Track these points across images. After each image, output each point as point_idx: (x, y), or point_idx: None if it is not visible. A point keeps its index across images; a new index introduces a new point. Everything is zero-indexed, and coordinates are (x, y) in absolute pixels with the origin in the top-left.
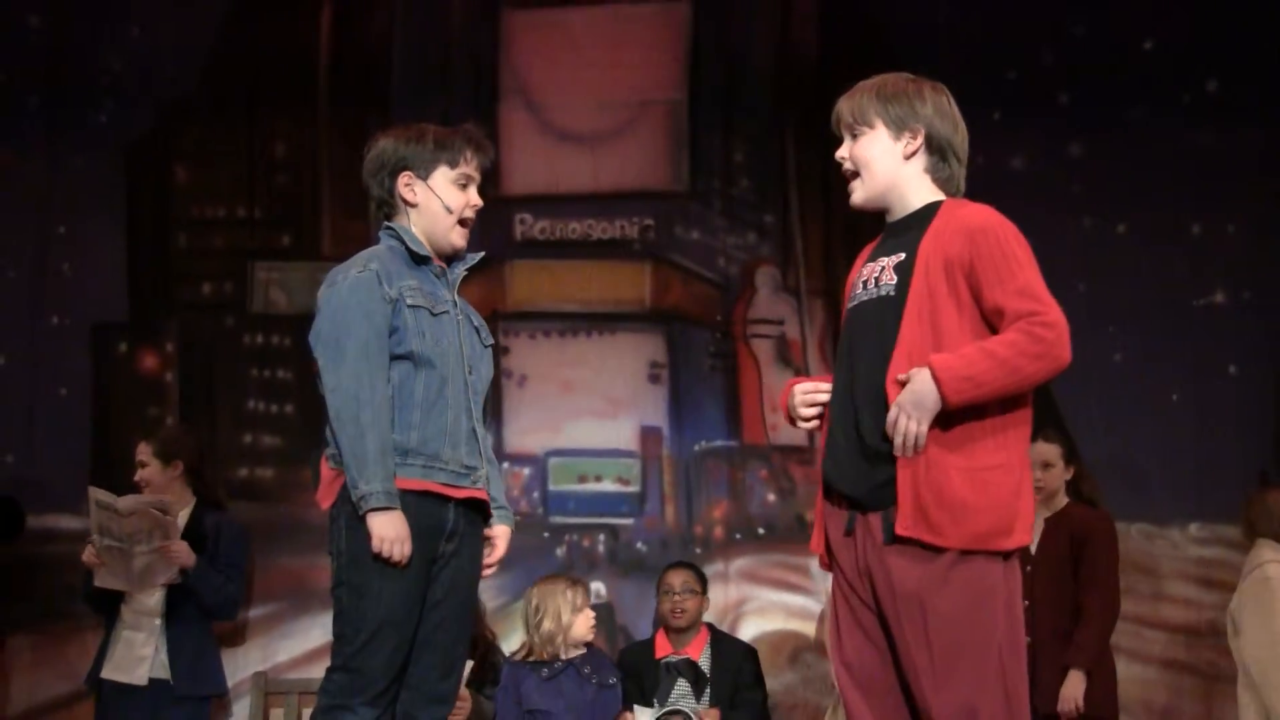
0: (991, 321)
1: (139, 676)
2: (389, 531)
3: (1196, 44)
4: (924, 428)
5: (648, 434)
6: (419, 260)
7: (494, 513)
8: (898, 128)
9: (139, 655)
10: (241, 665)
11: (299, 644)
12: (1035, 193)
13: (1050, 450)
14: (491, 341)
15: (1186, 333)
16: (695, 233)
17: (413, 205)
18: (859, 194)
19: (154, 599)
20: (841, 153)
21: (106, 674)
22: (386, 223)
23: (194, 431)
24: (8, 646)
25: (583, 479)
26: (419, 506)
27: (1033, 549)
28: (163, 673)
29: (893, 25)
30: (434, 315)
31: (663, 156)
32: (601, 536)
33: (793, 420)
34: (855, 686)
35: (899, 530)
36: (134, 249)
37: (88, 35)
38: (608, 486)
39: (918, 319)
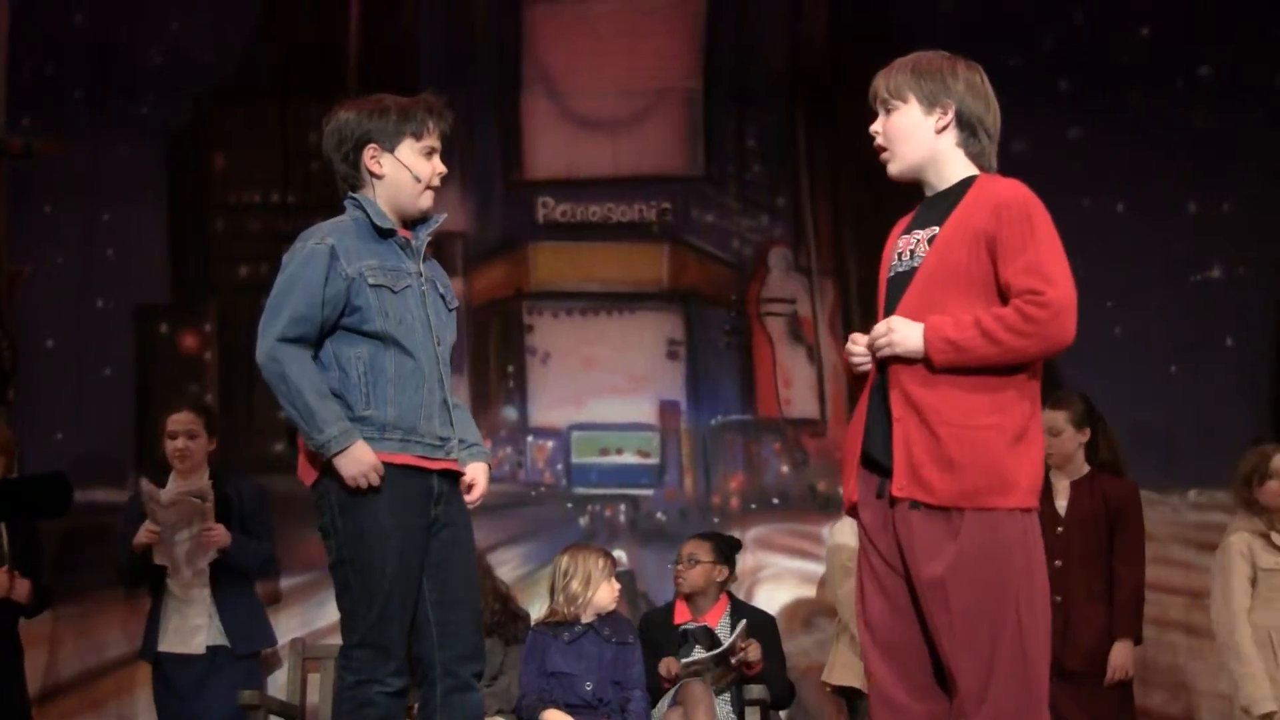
0: (1003, 295)
1: (197, 645)
2: (356, 467)
3: (1190, 31)
4: (894, 350)
5: (666, 408)
6: (383, 234)
7: (470, 449)
8: (930, 102)
9: (194, 625)
10: (282, 632)
11: (335, 611)
12: (1037, 174)
13: (1056, 417)
14: (456, 305)
15: (1184, 307)
16: (711, 215)
17: (379, 177)
18: (894, 165)
19: (198, 571)
20: (875, 127)
21: (164, 648)
22: (351, 193)
23: None
24: (59, 615)
25: (604, 451)
26: (402, 477)
27: (1061, 511)
28: (219, 638)
29: (899, 15)
30: (395, 292)
31: (679, 142)
32: (623, 507)
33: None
34: (877, 648)
35: (895, 492)
36: (175, 234)
37: (129, 30)
38: (628, 459)
39: (924, 293)
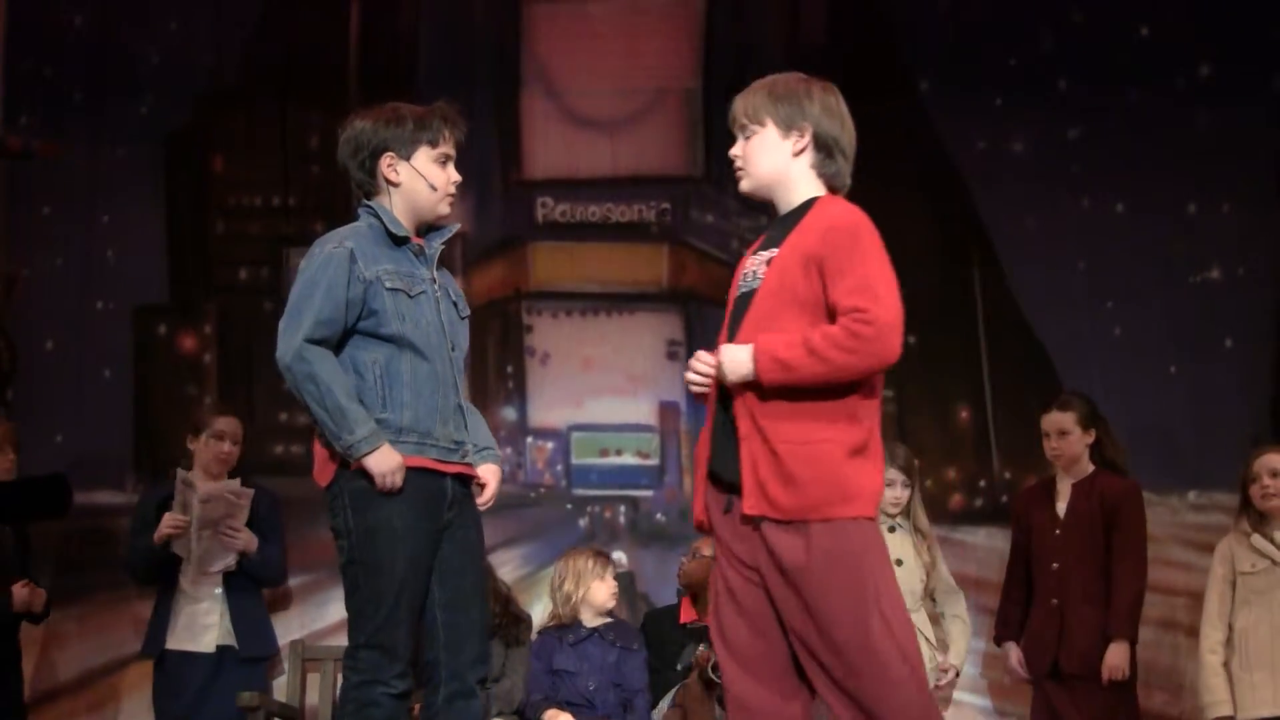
0: (833, 315)
1: (206, 644)
2: (384, 465)
3: (1190, 30)
4: (726, 379)
5: (666, 409)
6: (397, 241)
7: (482, 452)
8: (787, 126)
9: (204, 624)
10: (282, 633)
11: (335, 612)
12: (1036, 174)
13: (1064, 418)
14: (468, 313)
15: (1183, 308)
16: (710, 216)
17: (395, 185)
18: (745, 182)
19: (211, 571)
20: (734, 151)
21: (172, 644)
22: (365, 201)
23: None
24: (58, 617)
25: (604, 452)
26: (417, 480)
27: (1060, 513)
28: (227, 638)
29: (898, 15)
30: (411, 297)
31: (678, 142)
32: (622, 508)
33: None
34: (732, 659)
35: (745, 510)
36: (174, 235)
37: (128, 31)
38: (628, 460)
39: (761, 313)
